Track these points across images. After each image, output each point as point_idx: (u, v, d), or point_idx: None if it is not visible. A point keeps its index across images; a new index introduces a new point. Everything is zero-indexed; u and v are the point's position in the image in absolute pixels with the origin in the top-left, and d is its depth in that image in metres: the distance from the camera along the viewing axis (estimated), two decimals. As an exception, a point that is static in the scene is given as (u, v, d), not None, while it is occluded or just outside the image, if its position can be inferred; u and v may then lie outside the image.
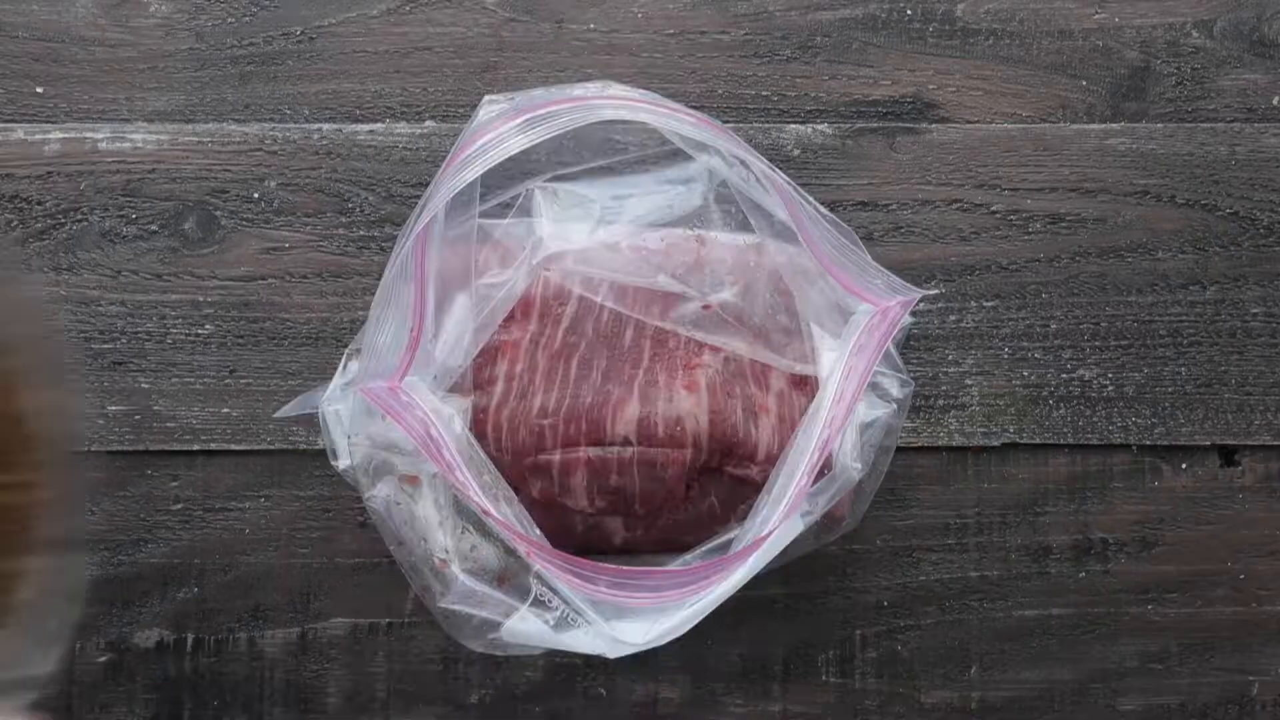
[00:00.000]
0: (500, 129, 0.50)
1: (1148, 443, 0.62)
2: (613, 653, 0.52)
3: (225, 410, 0.62)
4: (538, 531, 0.54)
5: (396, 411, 0.50)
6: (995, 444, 0.62)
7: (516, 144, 0.50)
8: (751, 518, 0.53)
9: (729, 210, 0.59)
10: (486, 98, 0.53)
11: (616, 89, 0.52)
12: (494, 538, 0.54)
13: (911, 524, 0.62)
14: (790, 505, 0.50)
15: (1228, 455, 0.63)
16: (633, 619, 0.51)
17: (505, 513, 0.53)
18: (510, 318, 0.58)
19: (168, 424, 0.62)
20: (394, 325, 0.52)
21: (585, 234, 0.58)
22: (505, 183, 0.58)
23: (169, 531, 0.61)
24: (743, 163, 0.55)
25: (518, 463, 0.56)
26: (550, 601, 0.53)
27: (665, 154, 0.60)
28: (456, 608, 0.53)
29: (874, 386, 0.56)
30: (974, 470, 0.62)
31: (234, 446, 0.62)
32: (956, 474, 0.62)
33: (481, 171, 0.50)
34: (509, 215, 0.58)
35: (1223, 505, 0.62)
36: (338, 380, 0.55)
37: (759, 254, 0.58)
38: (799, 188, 0.57)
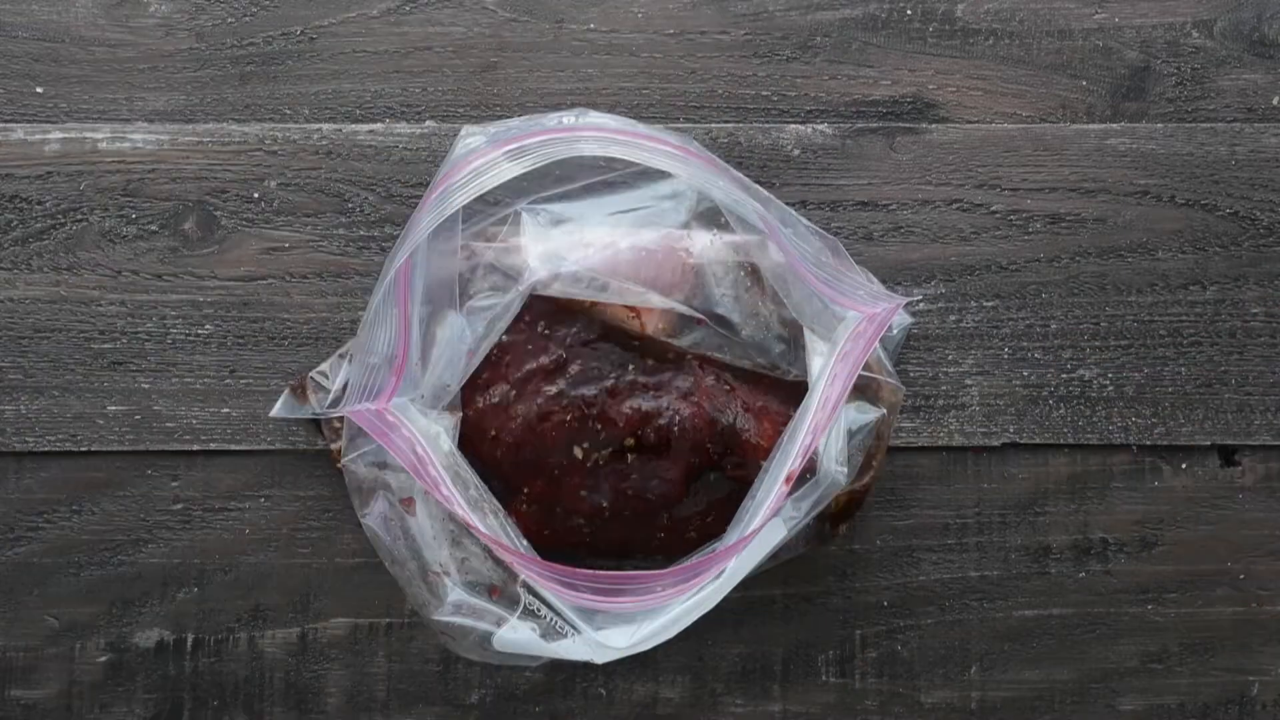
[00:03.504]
0: (490, 155, 0.51)
1: (1148, 443, 0.62)
2: (599, 658, 0.52)
3: (225, 410, 0.62)
4: (524, 542, 0.54)
5: (382, 432, 0.51)
6: (995, 444, 0.62)
7: (500, 175, 0.51)
8: (735, 522, 0.53)
9: (715, 223, 0.59)
10: (464, 129, 0.53)
11: (593, 117, 0.53)
12: (485, 549, 0.55)
13: (911, 524, 0.62)
14: (771, 509, 0.50)
15: (1228, 455, 0.63)
16: (618, 624, 0.52)
17: (491, 525, 0.53)
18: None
19: (168, 424, 0.62)
20: (382, 348, 0.53)
21: (571, 248, 0.58)
22: (489, 207, 0.58)
23: (169, 531, 0.61)
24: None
25: (517, 465, 0.56)
26: (539, 611, 0.53)
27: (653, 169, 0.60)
28: (450, 620, 0.54)
29: (863, 390, 0.56)
30: (974, 470, 0.62)
31: (234, 446, 0.62)
32: (956, 474, 0.62)
33: (462, 204, 0.51)
34: (499, 236, 0.58)
35: (1223, 505, 0.62)
36: (331, 359, 0.58)
37: (750, 259, 0.58)
38: (777, 201, 0.57)
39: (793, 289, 0.56)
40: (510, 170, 0.51)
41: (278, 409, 0.60)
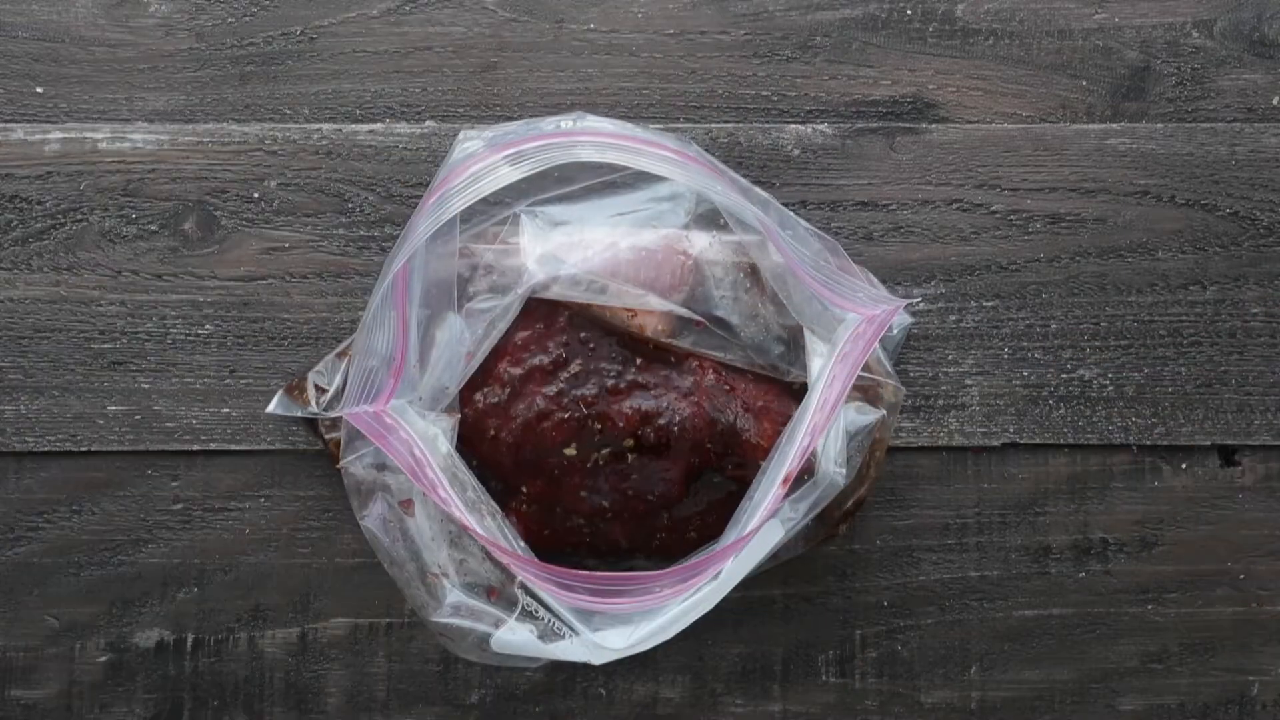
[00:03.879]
0: (488, 159, 0.51)
1: (1148, 443, 0.62)
2: (597, 660, 0.52)
3: (225, 410, 0.62)
4: (521, 543, 0.54)
5: (380, 434, 0.51)
6: (995, 444, 0.62)
7: (499, 180, 0.51)
8: (733, 523, 0.53)
9: (714, 224, 0.59)
10: (462, 133, 0.53)
11: (591, 121, 0.53)
12: (483, 551, 0.55)
13: (911, 524, 0.62)
14: (768, 510, 0.50)
15: (1228, 455, 0.63)
16: (615, 625, 0.52)
17: (488, 526, 0.53)
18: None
19: (168, 424, 0.62)
20: (381, 350, 0.53)
21: (570, 249, 0.57)
22: (489, 208, 0.58)
23: (169, 531, 0.61)
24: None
25: (517, 465, 0.56)
26: (536, 612, 0.53)
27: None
28: (449, 621, 0.54)
29: (863, 391, 0.56)
30: (974, 470, 0.62)
31: (234, 446, 0.62)
32: (956, 474, 0.62)
33: (460, 209, 0.51)
34: (498, 238, 0.58)
35: (1223, 505, 0.62)
36: (328, 358, 0.58)
37: (750, 259, 0.58)
38: (776, 204, 0.57)
39: (792, 290, 0.56)
40: (508, 175, 0.51)
41: (272, 406, 0.60)
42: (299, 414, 0.59)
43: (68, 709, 0.61)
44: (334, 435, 0.58)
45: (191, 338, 0.62)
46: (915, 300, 0.62)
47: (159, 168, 0.62)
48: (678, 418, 0.56)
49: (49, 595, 0.61)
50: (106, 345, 0.62)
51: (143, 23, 0.63)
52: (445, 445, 0.54)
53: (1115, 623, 0.62)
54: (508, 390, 0.57)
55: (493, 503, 0.54)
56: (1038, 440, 0.62)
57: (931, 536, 0.62)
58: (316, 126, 0.63)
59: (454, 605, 0.54)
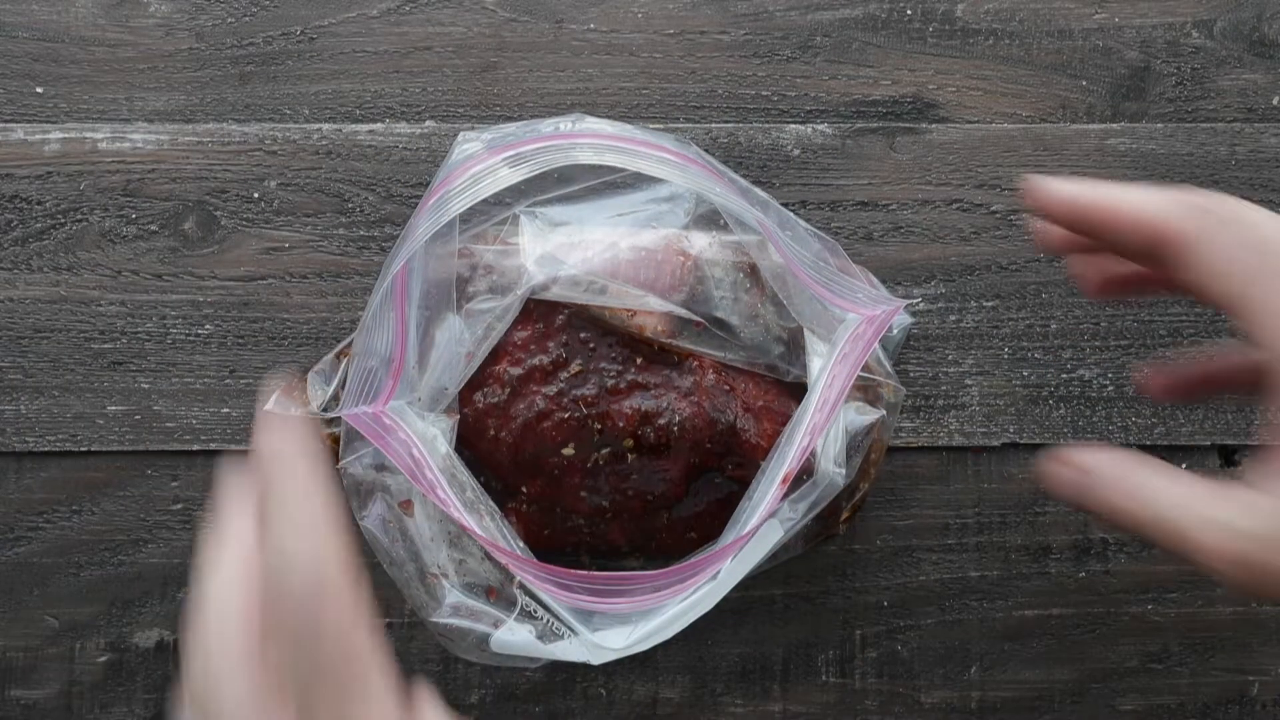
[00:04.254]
0: (488, 161, 0.51)
1: (1148, 443, 0.62)
2: (596, 660, 0.52)
3: (225, 410, 0.62)
4: (520, 544, 0.54)
5: (379, 435, 0.51)
6: (995, 444, 0.62)
7: (498, 182, 0.51)
8: (732, 523, 0.54)
9: (714, 224, 0.59)
10: (461, 134, 0.53)
11: (590, 122, 0.53)
12: (482, 551, 0.55)
13: (911, 524, 0.62)
14: (767, 510, 0.50)
15: (1228, 455, 0.63)
16: (614, 625, 0.52)
17: (487, 527, 0.53)
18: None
19: (168, 424, 0.62)
20: (380, 351, 0.53)
21: (570, 250, 0.57)
22: (490, 208, 0.58)
23: (169, 531, 0.61)
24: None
25: (517, 465, 0.56)
26: (536, 612, 0.53)
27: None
28: (448, 621, 0.54)
29: (863, 391, 0.56)
30: (974, 470, 0.62)
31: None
32: (956, 474, 0.62)
33: (459, 211, 0.51)
34: (498, 238, 0.58)
35: (1223, 505, 0.62)
36: (328, 358, 0.58)
37: (750, 258, 0.58)
38: (776, 204, 0.57)
39: (792, 291, 0.56)
40: (508, 177, 0.51)
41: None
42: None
43: (68, 709, 0.61)
44: (331, 431, 0.58)
45: (191, 338, 0.62)
46: (915, 300, 0.62)
47: (159, 168, 0.62)
48: (678, 418, 0.56)
49: (49, 595, 0.61)
50: (106, 345, 0.62)
51: (143, 23, 0.63)
52: (444, 446, 0.54)
53: (1115, 623, 0.62)
54: (507, 390, 0.57)
55: (492, 503, 0.54)
56: (1038, 440, 0.62)
57: (931, 536, 0.62)
58: (316, 126, 0.63)
59: (453, 605, 0.54)
